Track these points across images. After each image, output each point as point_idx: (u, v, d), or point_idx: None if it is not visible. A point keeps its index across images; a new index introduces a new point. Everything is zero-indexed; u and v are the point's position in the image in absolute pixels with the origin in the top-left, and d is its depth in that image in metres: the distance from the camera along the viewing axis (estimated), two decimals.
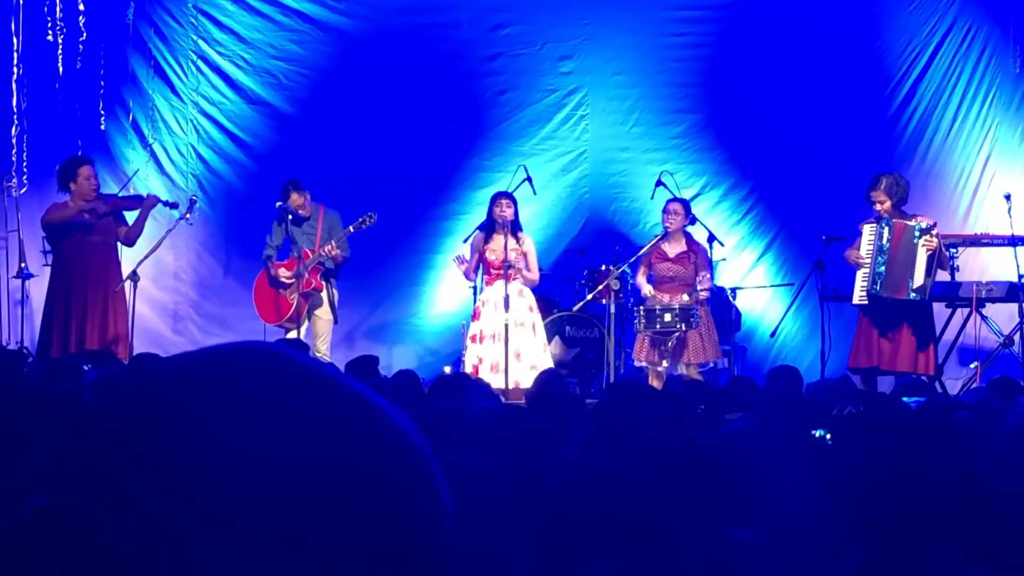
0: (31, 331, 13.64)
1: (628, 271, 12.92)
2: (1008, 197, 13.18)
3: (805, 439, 3.78)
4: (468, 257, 12.52)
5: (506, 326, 11.95)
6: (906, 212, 11.50)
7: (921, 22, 14.71)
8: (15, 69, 14.28)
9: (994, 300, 12.36)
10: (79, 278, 12.09)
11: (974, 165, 14.67)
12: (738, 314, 13.68)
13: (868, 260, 11.33)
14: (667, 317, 11.99)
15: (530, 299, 12.38)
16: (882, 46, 14.76)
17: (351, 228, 12.63)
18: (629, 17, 14.83)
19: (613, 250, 13.40)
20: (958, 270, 12.55)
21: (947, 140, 14.70)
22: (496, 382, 11.20)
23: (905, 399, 6.49)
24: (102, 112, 14.43)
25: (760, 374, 12.12)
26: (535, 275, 12.45)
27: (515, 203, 12.40)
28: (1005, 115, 14.67)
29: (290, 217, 12.72)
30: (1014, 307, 12.94)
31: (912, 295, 11.19)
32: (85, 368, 9.47)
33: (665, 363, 12.00)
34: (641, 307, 12.16)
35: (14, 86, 14.26)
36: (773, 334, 13.26)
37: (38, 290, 13.51)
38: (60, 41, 14.31)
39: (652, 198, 13.44)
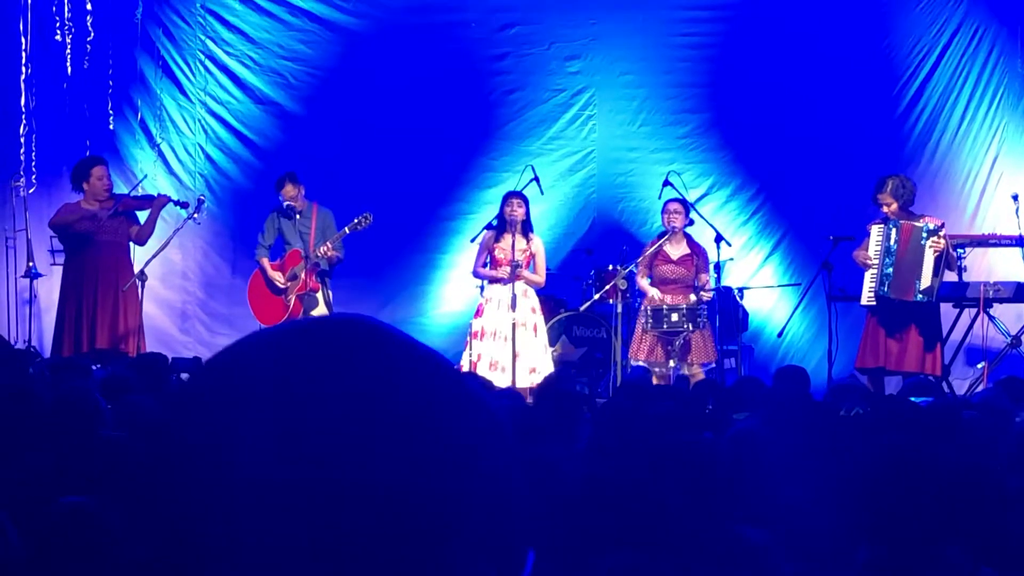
0: (39, 330, 13.67)
1: (636, 270, 12.92)
2: (1015, 197, 13.18)
3: (813, 438, 3.78)
4: (477, 254, 12.54)
5: (513, 325, 11.96)
6: (914, 213, 11.51)
7: (929, 22, 14.69)
8: (23, 69, 14.31)
9: (1001, 300, 12.35)
10: (90, 278, 12.14)
11: (982, 165, 14.65)
12: (745, 314, 13.68)
13: (876, 261, 11.34)
14: (674, 317, 11.99)
15: (533, 300, 12.37)
16: (890, 46, 14.74)
17: (347, 229, 12.59)
18: (637, 17, 14.83)
19: (620, 250, 13.39)
20: (965, 270, 12.55)
21: (955, 140, 14.68)
22: (494, 379, 11.18)
23: (912, 399, 6.49)
24: (110, 112, 14.46)
25: (767, 374, 12.11)
26: (541, 277, 12.45)
27: (526, 203, 12.40)
28: (1013, 116, 14.66)
29: (284, 206, 12.70)
30: (1021, 307, 12.95)
31: (919, 296, 11.20)
32: (94, 368, 9.49)
33: (672, 363, 12.00)
34: (648, 307, 12.17)
35: (22, 86, 14.29)
36: (780, 334, 13.26)
37: (46, 289, 13.54)
38: (68, 41, 14.34)
39: (659, 198, 13.43)
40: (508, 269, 12.14)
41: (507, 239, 12.24)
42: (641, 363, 12.17)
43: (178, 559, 1.09)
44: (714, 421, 5.43)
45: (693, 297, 12.15)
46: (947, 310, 12.13)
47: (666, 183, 13.23)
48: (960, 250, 12.45)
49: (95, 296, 12.09)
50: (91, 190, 12.24)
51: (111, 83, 14.47)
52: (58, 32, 14.35)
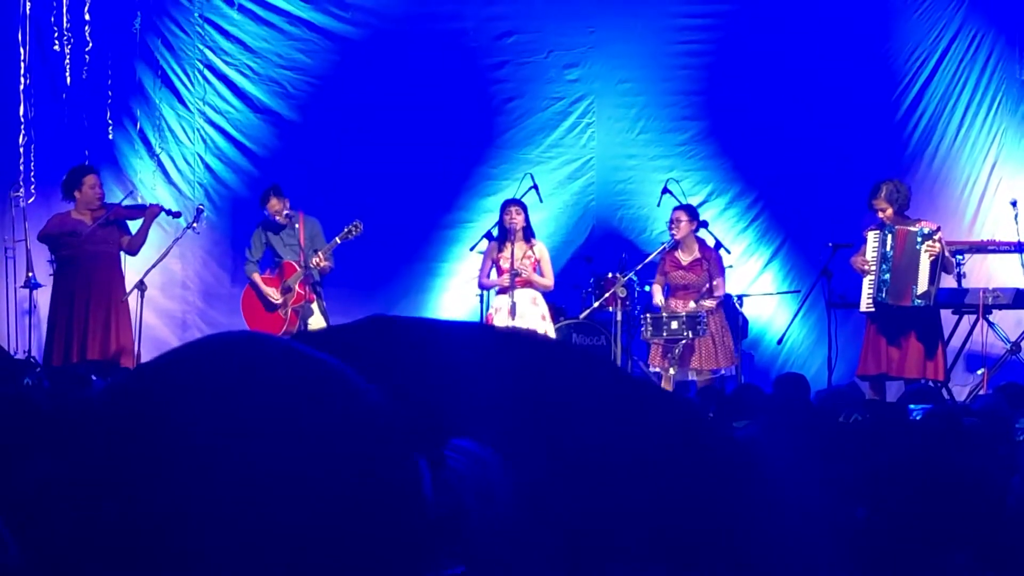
0: (38, 340, 13.66)
1: (635, 278, 12.93)
2: (1014, 203, 13.18)
3: (813, 446, 3.78)
4: (482, 264, 12.57)
5: None
6: (909, 217, 11.51)
7: (927, 28, 14.69)
8: (22, 79, 14.31)
9: (1001, 307, 12.35)
10: (82, 288, 12.11)
11: (980, 171, 14.65)
12: (745, 321, 13.67)
13: (874, 267, 11.34)
14: (674, 325, 12.00)
15: (543, 308, 12.40)
16: (888, 52, 14.74)
17: (337, 239, 12.59)
18: (635, 25, 14.83)
19: (620, 257, 13.39)
20: (964, 277, 12.55)
21: (953, 146, 14.67)
22: None
23: (912, 406, 6.49)
24: (109, 122, 14.45)
25: (767, 381, 12.12)
26: (549, 280, 12.48)
27: (525, 210, 12.43)
28: (1011, 121, 14.65)
29: (270, 220, 12.70)
30: (1021, 313, 12.96)
31: (917, 301, 11.20)
32: (93, 378, 9.48)
33: (672, 370, 12.00)
34: (648, 315, 12.18)
35: (21, 96, 14.29)
36: (780, 341, 13.25)
37: (45, 300, 13.52)
38: (67, 51, 14.34)
39: (658, 205, 13.46)
40: (507, 277, 12.16)
41: (509, 247, 12.27)
42: (657, 369, 12.20)
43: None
44: None
45: (692, 305, 12.16)
46: (946, 316, 12.12)
47: (665, 190, 13.26)
48: (959, 256, 12.45)
49: (87, 307, 12.07)
50: (83, 199, 12.22)
51: (110, 93, 14.47)
52: (56, 42, 14.35)
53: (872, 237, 11.43)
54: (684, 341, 11.99)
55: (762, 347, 14.32)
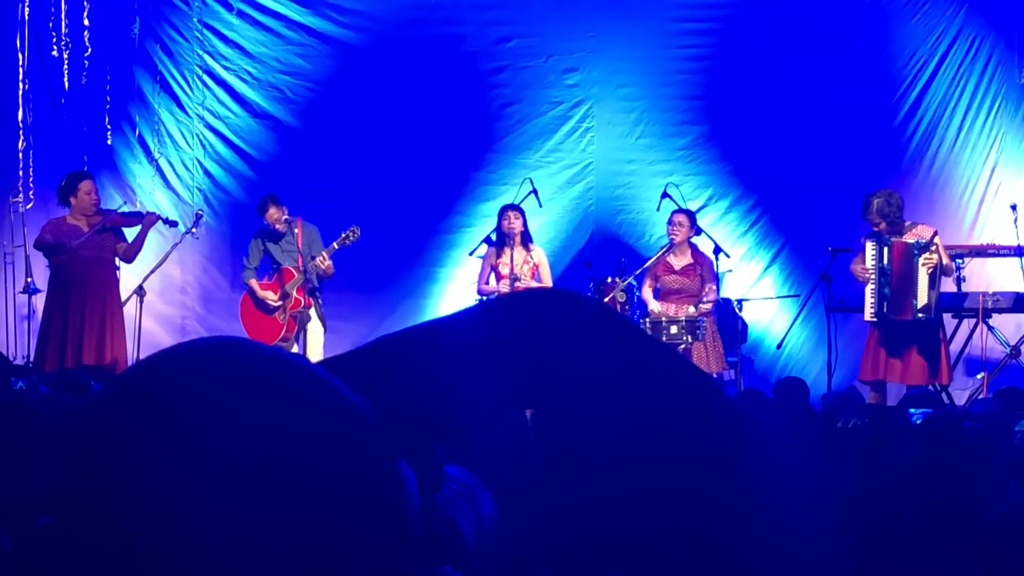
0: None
1: (635, 283, 12.93)
2: (1014, 207, 13.17)
3: (814, 451, 3.77)
4: (480, 270, 12.57)
5: None
6: (904, 221, 11.45)
7: (926, 33, 14.70)
8: (21, 84, 14.32)
9: (1000, 311, 12.35)
10: (76, 293, 12.10)
11: (980, 175, 14.65)
12: (744, 325, 13.67)
13: (873, 276, 11.31)
14: (673, 329, 11.99)
15: None
16: (887, 56, 14.74)
17: (335, 244, 12.58)
18: (634, 29, 14.83)
19: (619, 262, 13.38)
20: (964, 280, 12.54)
21: (953, 150, 14.67)
22: None
23: (912, 410, 6.48)
24: (108, 127, 14.45)
25: (767, 385, 12.11)
26: (548, 286, 12.47)
27: (523, 215, 12.44)
28: (1011, 125, 14.65)
29: (269, 229, 12.70)
30: (1021, 317, 12.96)
31: (919, 315, 11.16)
32: (92, 383, 9.46)
33: None
34: (647, 319, 12.17)
35: (20, 101, 14.29)
36: (780, 345, 13.24)
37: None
38: (66, 56, 14.34)
39: (658, 210, 13.44)
40: (507, 283, 12.16)
41: (508, 253, 12.27)
42: None
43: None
44: None
45: (692, 309, 12.15)
46: (947, 320, 12.11)
47: (664, 195, 13.24)
48: (959, 260, 12.45)
49: (82, 312, 12.05)
50: (79, 205, 12.21)
51: (109, 98, 14.47)
52: (55, 47, 14.35)
53: (870, 247, 11.38)
54: (684, 346, 11.98)
55: (761, 351, 14.32)
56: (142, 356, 12.28)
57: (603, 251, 14.46)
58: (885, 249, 11.25)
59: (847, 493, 3.06)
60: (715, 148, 14.90)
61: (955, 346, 12.47)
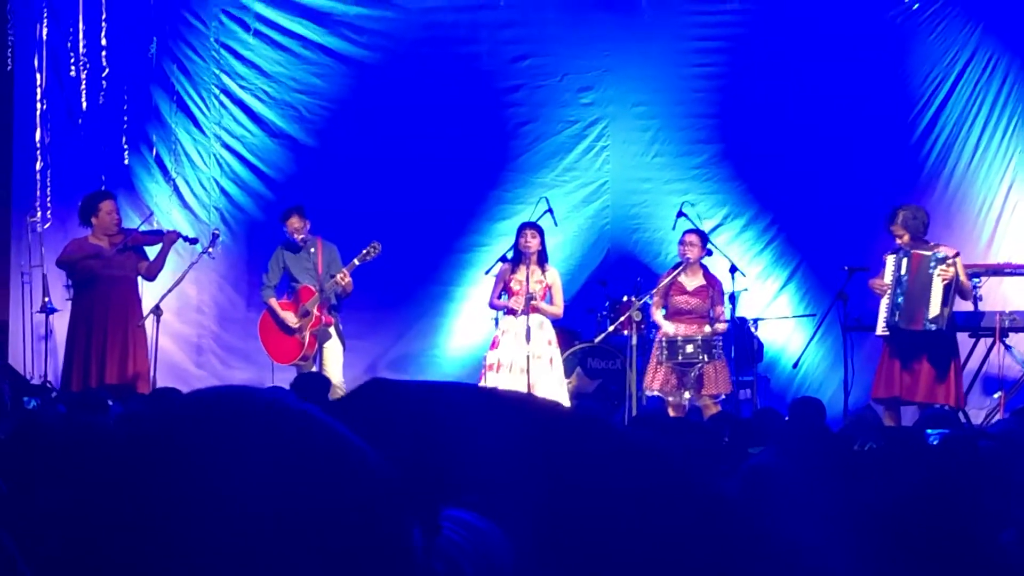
0: (55, 365, 13.69)
1: (650, 302, 12.92)
2: None
3: (828, 473, 3.77)
4: (493, 286, 12.57)
5: (527, 358, 11.96)
6: (927, 242, 11.49)
7: (943, 51, 14.68)
8: (38, 104, 14.38)
9: (1017, 330, 12.32)
10: (99, 313, 12.14)
11: (996, 194, 14.62)
12: (760, 345, 13.65)
13: (890, 288, 11.33)
14: (689, 348, 11.96)
15: (550, 332, 12.38)
16: (903, 74, 14.72)
17: (356, 261, 12.60)
18: (650, 48, 14.84)
19: (635, 281, 13.39)
20: (981, 299, 12.52)
21: (969, 169, 14.65)
22: None
23: (929, 431, 6.47)
24: (125, 147, 14.50)
25: (783, 404, 12.09)
26: (558, 308, 12.46)
27: (541, 234, 12.44)
28: None
29: (290, 240, 12.72)
30: None
31: (929, 326, 11.17)
32: (110, 403, 9.49)
33: (687, 395, 11.97)
34: (663, 338, 12.14)
35: (38, 121, 14.35)
36: (796, 365, 13.21)
37: (61, 325, 13.55)
38: (83, 76, 14.40)
39: (673, 228, 13.43)
40: (522, 300, 12.16)
41: (522, 271, 12.27)
42: (656, 393, 12.14)
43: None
44: (730, 455, 5.42)
45: (708, 328, 12.13)
46: (963, 340, 12.09)
47: (680, 214, 13.24)
48: (975, 279, 12.42)
49: (105, 332, 12.10)
50: (100, 225, 12.26)
51: (126, 118, 14.51)
52: (72, 67, 14.41)
53: (890, 261, 11.45)
54: (700, 365, 11.95)
55: (777, 371, 14.29)
56: (158, 375, 12.36)
57: (619, 270, 14.46)
58: (904, 260, 11.29)
59: (863, 516, 3.05)
60: (730, 166, 14.89)
61: (972, 365, 12.44)
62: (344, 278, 12.51)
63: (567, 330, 13.38)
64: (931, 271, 11.19)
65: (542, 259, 12.42)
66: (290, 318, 12.64)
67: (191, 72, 14.83)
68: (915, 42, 14.73)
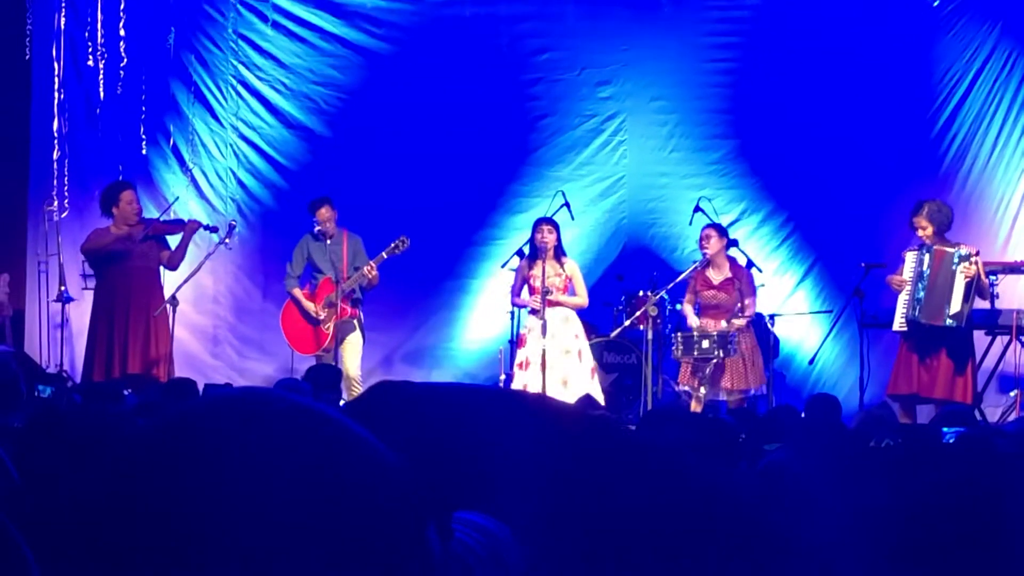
0: (71, 354, 13.73)
1: (666, 297, 12.91)
2: None
3: (843, 471, 3.75)
4: (513, 282, 12.59)
5: (543, 352, 11.96)
6: (949, 240, 11.47)
7: (961, 48, 14.63)
8: (56, 94, 14.39)
9: None
10: (121, 302, 12.18)
11: (1014, 192, 14.56)
12: (776, 341, 13.63)
13: (909, 285, 11.32)
14: (705, 344, 11.97)
15: (576, 326, 12.38)
16: (922, 72, 14.67)
17: (384, 254, 12.62)
18: (668, 43, 14.81)
19: (651, 276, 13.38)
20: (998, 297, 12.48)
21: (987, 167, 14.60)
22: None
23: (945, 428, 6.45)
24: (143, 137, 14.51)
25: (799, 401, 12.07)
26: (582, 299, 12.48)
27: (557, 228, 12.43)
28: None
29: (316, 231, 12.72)
30: None
31: (948, 322, 11.16)
32: (126, 393, 9.51)
33: (703, 389, 11.96)
34: (679, 333, 12.15)
35: (55, 111, 14.37)
36: (812, 361, 13.19)
37: (78, 314, 13.60)
38: (101, 67, 14.41)
39: (690, 223, 13.43)
40: (538, 297, 12.16)
41: (539, 266, 12.26)
42: (685, 389, 12.17)
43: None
44: (748, 451, 5.40)
45: (724, 324, 12.12)
46: (979, 337, 12.06)
47: (697, 209, 13.24)
48: (993, 277, 12.39)
49: (127, 321, 12.13)
50: (121, 215, 12.28)
51: (144, 108, 14.53)
52: (91, 58, 14.42)
53: (911, 257, 11.43)
54: (715, 360, 11.95)
55: (793, 367, 14.27)
56: (175, 365, 12.38)
57: (635, 264, 14.44)
58: (927, 255, 11.28)
59: (878, 515, 3.04)
60: (748, 162, 14.86)
61: (988, 363, 12.40)
62: (371, 271, 12.54)
63: (584, 323, 13.38)
64: (954, 267, 11.18)
65: (559, 253, 12.42)
66: (314, 309, 12.66)
67: (209, 63, 14.84)
68: (934, 40, 14.68)
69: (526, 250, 12.57)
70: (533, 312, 12.30)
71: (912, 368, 11.34)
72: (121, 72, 14.47)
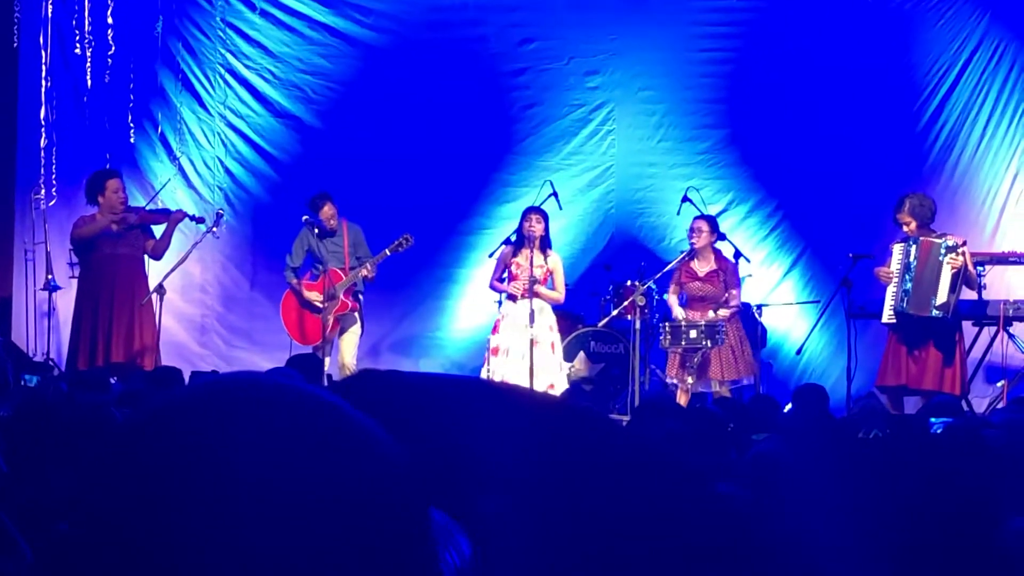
0: (57, 343, 13.70)
1: (654, 287, 12.91)
2: None
3: (833, 461, 3.76)
4: (495, 267, 12.57)
5: (531, 342, 11.96)
6: (934, 231, 11.49)
7: (949, 39, 14.65)
8: (43, 82, 14.35)
9: (1021, 319, 12.31)
10: (106, 291, 12.14)
11: (1002, 182, 14.60)
12: (764, 331, 13.64)
13: (896, 277, 11.33)
14: (692, 334, 11.97)
15: (550, 318, 12.37)
16: (910, 63, 14.70)
17: (387, 251, 12.61)
18: (656, 32, 14.81)
19: (639, 265, 13.38)
20: (985, 288, 12.50)
21: (975, 158, 14.63)
22: None
23: (933, 419, 6.46)
24: (131, 125, 14.48)
25: (786, 391, 12.10)
26: (560, 294, 12.46)
27: (546, 219, 12.42)
28: None
29: (316, 231, 12.71)
30: None
31: (935, 312, 11.17)
32: (112, 381, 9.50)
33: (690, 380, 11.97)
34: (667, 323, 12.15)
35: (43, 98, 14.32)
36: (799, 351, 13.21)
37: (64, 302, 13.56)
38: (89, 54, 14.37)
39: (678, 214, 13.44)
40: (522, 284, 12.15)
41: (524, 254, 12.25)
42: (673, 380, 12.17)
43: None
44: (734, 441, 5.41)
45: (712, 314, 12.13)
46: (967, 328, 12.08)
47: (685, 199, 13.24)
48: (980, 268, 12.41)
49: (111, 310, 12.10)
50: (106, 203, 12.24)
51: (131, 96, 14.49)
52: (78, 45, 14.38)
53: (898, 249, 11.44)
54: (703, 350, 11.95)
55: (781, 357, 14.29)
56: (162, 354, 12.36)
57: (623, 254, 14.45)
58: (913, 247, 11.29)
59: (868, 504, 3.05)
60: (736, 152, 14.87)
61: (975, 354, 12.43)
62: (370, 273, 12.55)
63: (571, 314, 13.38)
64: (941, 258, 11.20)
65: (545, 244, 12.41)
66: (315, 297, 12.64)
67: (197, 51, 14.81)
68: (922, 29, 14.70)
69: (513, 239, 12.56)
70: (511, 298, 12.30)
71: (901, 360, 11.36)
72: (109, 60, 14.43)
